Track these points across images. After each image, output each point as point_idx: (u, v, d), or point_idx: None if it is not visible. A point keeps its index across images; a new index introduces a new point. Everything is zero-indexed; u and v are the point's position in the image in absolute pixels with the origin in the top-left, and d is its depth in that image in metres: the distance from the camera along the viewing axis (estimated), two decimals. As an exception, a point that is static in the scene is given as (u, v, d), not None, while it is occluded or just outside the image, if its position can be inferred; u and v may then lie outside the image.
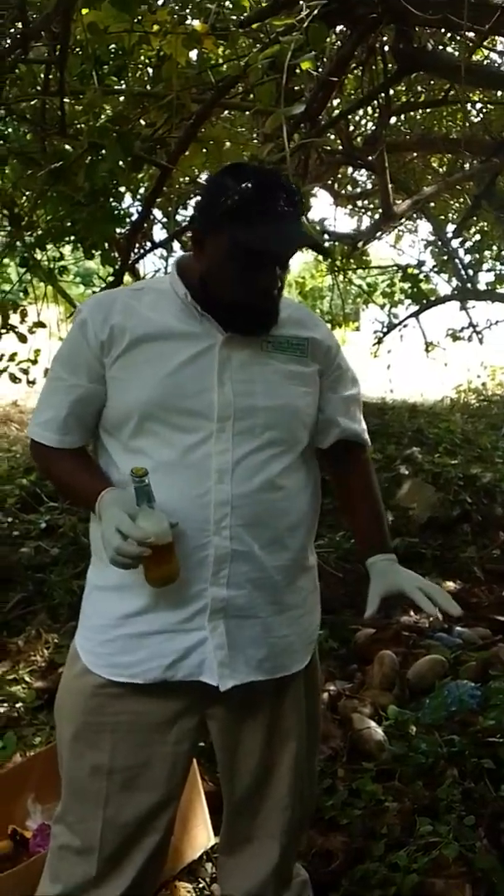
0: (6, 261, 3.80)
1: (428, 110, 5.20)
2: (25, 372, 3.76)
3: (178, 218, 4.23)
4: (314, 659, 1.47)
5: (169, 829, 1.39)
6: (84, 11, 2.42)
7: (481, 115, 5.32)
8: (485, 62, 4.08)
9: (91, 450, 1.41)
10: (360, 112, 4.86)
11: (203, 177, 3.79)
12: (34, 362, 3.72)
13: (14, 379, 3.71)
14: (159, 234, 4.65)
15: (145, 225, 3.87)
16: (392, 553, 1.42)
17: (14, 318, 3.56)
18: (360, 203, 6.26)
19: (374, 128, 4.71)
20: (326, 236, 5.38)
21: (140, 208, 3.65)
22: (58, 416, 1.32)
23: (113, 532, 1.15)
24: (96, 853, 1.32)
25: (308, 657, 1.42)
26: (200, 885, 1.80)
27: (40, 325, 3.70)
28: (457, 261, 6.10)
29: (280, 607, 1.33)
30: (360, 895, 1.72)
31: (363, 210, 6.38)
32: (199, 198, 1.34)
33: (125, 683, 1.28)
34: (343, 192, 5.95)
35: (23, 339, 3.55)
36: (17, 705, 2.53)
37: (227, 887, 1.63)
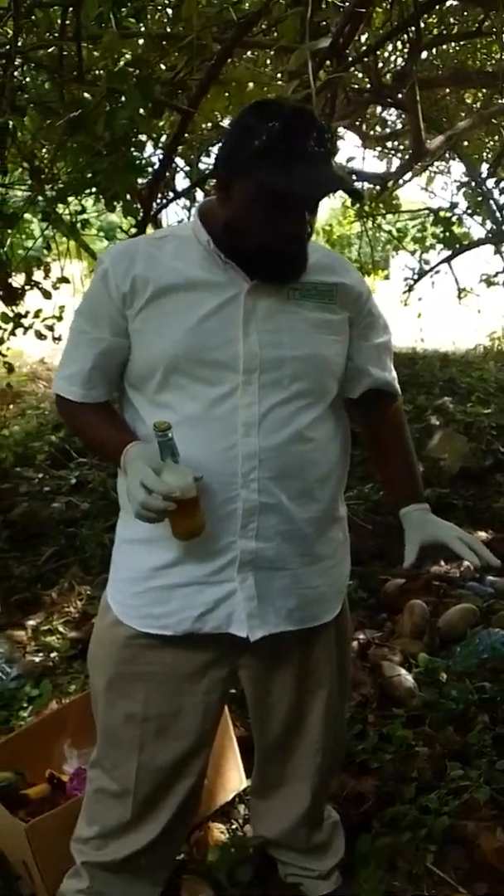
0: (28, 216, 3.76)
1: (461, 43, 4.94)
2: (51, 329, 3.76)
3: (201, 166, 4.12)
4: (344, 608, 1.47)
5: (202, 773, 1.43)
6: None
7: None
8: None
9: (117, 405, 1.40)
10: (390, 47, 4.64)
11: (226, 122, 3.69)
12: (59, 318, 3.72)
13: (40, 336, 3.72)
14: (182, 182, 4.56)
15: (167, 174, 3.78)
16: (425, 503, 1.40)
17: (38, 275, 3.54)
18: (389, 144, 6.04)
19: (403, 63, 4.50)
20: (354, 177, 5.21)
21: (161, 157, 3.57)
22: (82, 370, 1.31)
23: (138, 487, 1.15)
24: (131, 796, 1.36)
25: (338, 607, 1.42)
26: (233, 826, 1.85)
27: (64, 280, 3.69)
28: (491, 202, 5.87)
29: (311, 559, 1.32)
30: (391, 836, 1.75)
31: (393, 152, 6.15)
32: (223, 140, 1.28)
33: (156, 635, 1.30)
34: (372, 133, 5.74)
35: (47, 295, 3.55)
36: (52, 655, 2.60)
37: (259, 829, 1.68)
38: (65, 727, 1.92)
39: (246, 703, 1.55)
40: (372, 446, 1.50)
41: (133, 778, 1.35)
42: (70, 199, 3.31)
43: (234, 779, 1.93)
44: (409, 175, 5.14)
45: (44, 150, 3.52)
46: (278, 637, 1.32)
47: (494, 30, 4.02)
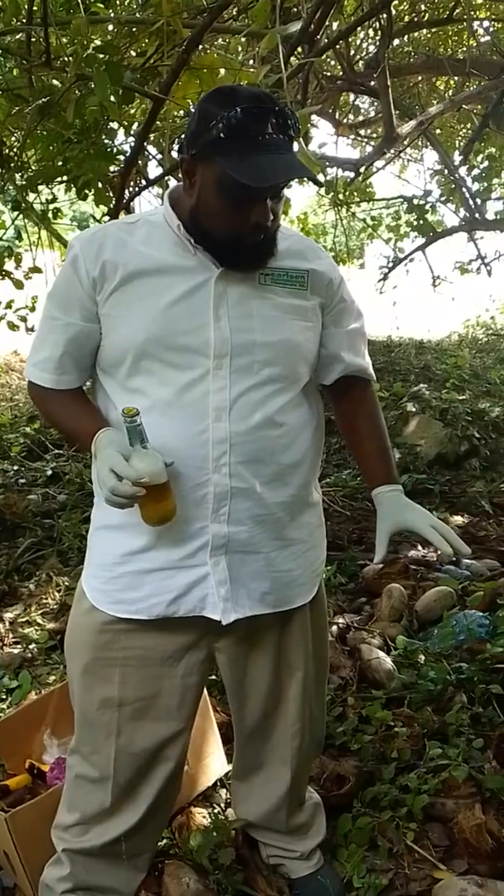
0: (-1, 205, 3.72)
1: (433, 30, 4.95)
2: (24, 319, 3.72)
3: (173, 153, 4.09)
4: (320, 591, 1.48)
5: (181, 758, 1.43)
6: None
7: (488, 34, 5.07)
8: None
9: (89, 390, 1.39)
10: (362, 35, 4.64)
11: (197, 108, 3.65)
12: (32, 309, 3.69)
13: (12, 326, 3.68)
14: (154, 170, 4.52)
15: (139, 161, 3.75)
16: (399, 485, 1.41)
17: (9, 265, 3.50)
18: (362, 132, 6.04)
19: (375, 50, 4.50)
20: (326, 164, 5.21)
21: (133, 144, 3.53)
22: (53, 355, 1.30)
23: (107, 473, 1.14)
24: (111, 782, 1.36)
25: (314, 591, 1.43)
26: (215, 811, 1.86)
27: (36, 270, 3.65)
28: (464, 190, 5.90)
29: (284, 542, 1.33)
30: (372, 816, 1.77)
31: (366, 140, 6.16)
32: (187, 126, 1.26)
33: (131, 619, 1.30)
34: (345, 120, 5.74)
35: (19, 285, 3.50)
36: (31, 646, 2.59)
37: (241, 811, 1.69)
38: (44, 717, 1.92)
39: (224, 687, 1.55)
40: (347, 430, 1.51)
41: (112, 763, 1.35)
42: (41, 187, 3.28)
43: (216, 764, 1.94)
44: (382, 162, 5.14)
45: (13, 138, 3.47)
46: (253, 620, 1.32)
47: (465, 17, 4.04)
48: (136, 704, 1.34)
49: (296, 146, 1.59)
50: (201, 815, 1.83)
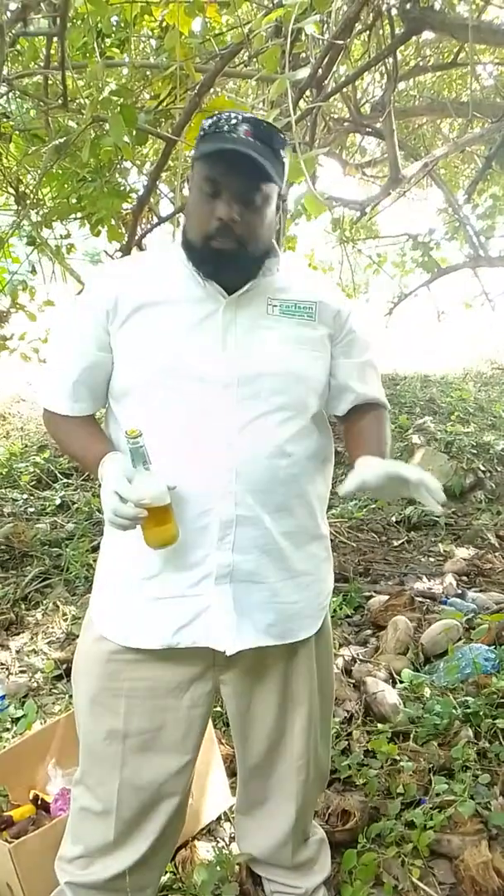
0: (13, 240, 3.80)
1: (437, 74, 5.09)
2: (36, 351, 3.79)
3: (185, 192, 4.19)
4: (326, 624, 1.47)
5: (186, 792, 1.42)
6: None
7: (492, 77, 5.20)
8: (495, 21, 3.98)
9: (101, 418, 1.42)
10: (368, 78, 4.77)
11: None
12: (45, 341, 3.75)
13: (25, 357, 3.74)
14: (166, 208, 4.62)
15: (151, 199, 3.84)
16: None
17: (23, 297, 3.58)
18: (369, 172, 6.17)
19: (381, 93, 4.62)
20: (334, 203, 5.32)
21: (146, 183, 3.62)
22: (67, 383, 1.33)
23: (110, 494, 1.16)
24: (115, 815, 1.35)
25: (319, 623, 1.42)
26: (219, 845, 1.85)
27: (49, 303, 3.72)
28: (468, 227, 6.00)
29: (289, 573, 1.32)
30: (377, 852, 1.75)
31: (373, 179, 6.28)
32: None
33: (137, 650, 1.30)
34: (352, 160, 5.87)
35: (32, 317, 3.57)
36: (37, 675, 2.59)
37: (244, 846, 1.67)
38: (49, 748, 1.91)
39: (229, 720, 1.55)
40: (349, 434, 1.43)
41: (116, 796, 1.35)
42: (55, 223, 3.36)
43: (220, 797, 1.92)
44: (387, 201, 5.24)
45: (29, 176, 3.57)
46: (258, 653, 1.32)
47: (469, 61, 4.15)
48: (142, 737, 1.34)
49: (304, 186, 1.65)
50: (205, 850, 1.81)
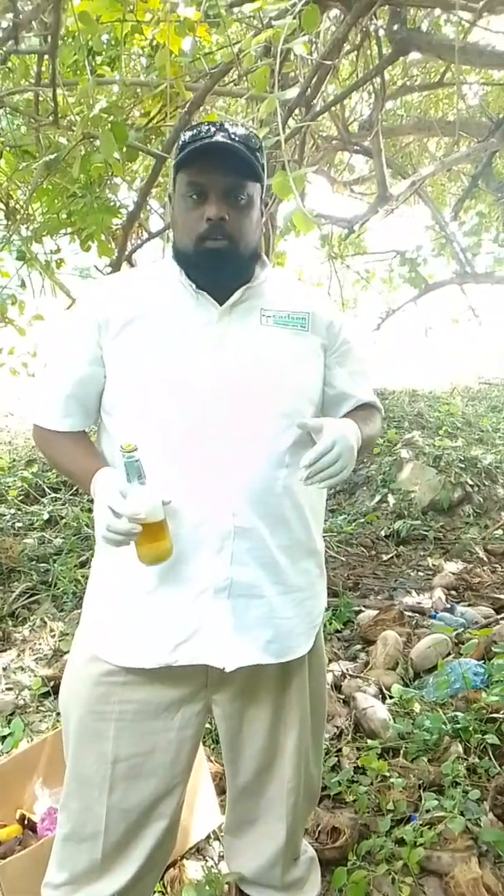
0: (3, 254, 3.81)
1: (424, 93, 5.17)
2: (25, 365, 3.78)
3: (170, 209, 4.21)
4: (319, 642, 1.46)
5: (176, 814, 1.40)
6: (75, 1, 2.42)
7: (477, 96, 5.29)
8: (480, 42, 4.06)
9: (92, 433, 1.42)
10: (356, 97, 4.84)
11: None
12: (34, 355, 3.75)
13: (14, 372, 3.74)
14: (156, 224, 4.65)
15: (141, 215, 3.86)
16: (359, 432, 1.30)
17: (12, 312, 3.57)
18: (357, 189, 6.24)
19: (369, 112, 4.69)
20: (323, 221, 5.37)
21: (136, 199, 3.64)
22: (59, 398, 1.33)
23: (104, 509, 1.15)
24: (101, 839, 1.32)
25: (311, 641, 1.40)
26: (208, 864, 1.83)
27: (39, 317, 3.72)
28: (455, 244, 6.07)
29: (285, 588, 1.31)
30: (367, 870, 1.74)
31: (361, 196, 6.35)
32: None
33: (130, 669, 1.28)
34: (340, 178, 5.93)
35: (22, 332, 3.57)
36: (24, 693, 2.56)
37: (234, 866, 1.65)
38: (36, 767, 1.89)
39: (220, 739, 1.54)
40: None
41: (103, 820, 1.32)
42: (45, 238, 3.37)
43: (209, 816, 1.91)
44: (375, 218, 5.31)
45: (19, 192, 3.58)
46: (252, 673, 1.31)
47: (455, 81, 4.22)
48: (131, 761, 1.32)
49: (293, 203, 1.66)
50: (194, 869, 1.79)
